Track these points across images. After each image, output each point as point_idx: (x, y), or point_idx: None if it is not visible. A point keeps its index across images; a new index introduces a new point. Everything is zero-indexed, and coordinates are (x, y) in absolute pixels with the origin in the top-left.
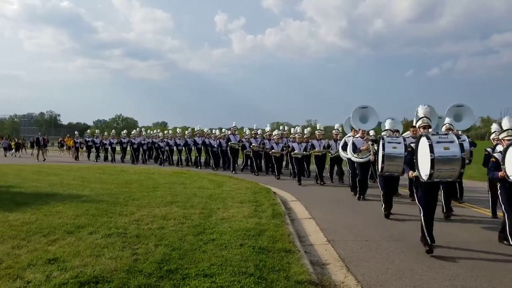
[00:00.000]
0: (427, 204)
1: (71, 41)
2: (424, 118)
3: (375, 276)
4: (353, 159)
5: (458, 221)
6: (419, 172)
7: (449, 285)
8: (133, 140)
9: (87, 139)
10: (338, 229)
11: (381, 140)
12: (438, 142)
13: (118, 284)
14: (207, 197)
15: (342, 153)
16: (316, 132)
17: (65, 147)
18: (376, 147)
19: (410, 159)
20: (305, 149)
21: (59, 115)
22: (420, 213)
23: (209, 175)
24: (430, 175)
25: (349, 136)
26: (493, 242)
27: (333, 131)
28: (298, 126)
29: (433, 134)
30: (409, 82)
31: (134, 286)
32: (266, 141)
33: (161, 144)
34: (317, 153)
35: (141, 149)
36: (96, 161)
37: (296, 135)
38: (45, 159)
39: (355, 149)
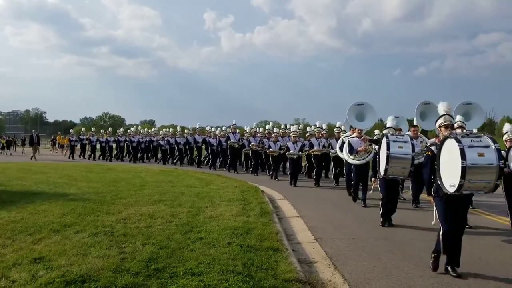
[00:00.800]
0: (450, 220)
1: (58, 37)
2: (446, 116)
3: (362, 274)
4: (350, 161)
5: None
6: (441, 182)
7: (435, 283)
8: (132, 139)
9: (82, 137)
10: (326, 227)
11: (384, 139)
12: (470, 146)
13: (105, 283)
14: (195, 195)
15: (339, 154)
16: (316, 130)
17: (57, 145)
18: (376, 147)
19: (432, 166)
20: (300, 149)
21: (45, 112)
22: (440, 232)
23: (197, 173)
24: (460, 186)
25: (347, 136)
26: (477, 240)
27: (335, 129)
28: (294, 124)
29: (463, 136)
30: (396, 81)
31: (121, 285)
32: (265, 140)
33: (162, 143)
34: (316, 153)
35: (139, 147)
36: (93, 160)
37: (291, 134)
38: (36, 159)
39: (352, 150)
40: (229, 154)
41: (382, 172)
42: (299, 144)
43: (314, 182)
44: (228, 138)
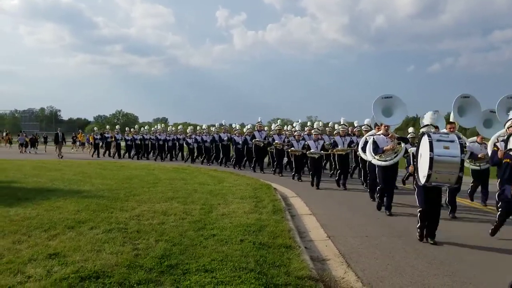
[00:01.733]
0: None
1: (72, 36)
2: None
3: (375, 272)
4: (374, 161)
5: (462, 218)
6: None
7: (449, 281)
8: (158, 136)
9: (107, 135)
10: (338, 225)
11: (425, 138)
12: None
13: (118, 279)
14: (207, 192)
15: (362, 154)
16: (340, 127)
17: (77, 143)
18: (408, 148)
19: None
20: (322, 148)
21: (59, 110)
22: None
23: (210, 171)
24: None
25: (371, 135)
26: (494, 238)
27: (363, 127)
28: (316, 121)
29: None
30: (410, 78)
31: (135, 281)
32: (291, 138)
33: (189, 141)
34: (341, 152)
35: (166, 145)
36: (118, 158)
37: (313, 131)
38: (62, 156)
39: (377, 149)
40: (254, 153)
41: (423, 179)
42: (321, 142)
43: (337, 184)
44: (253, 137)
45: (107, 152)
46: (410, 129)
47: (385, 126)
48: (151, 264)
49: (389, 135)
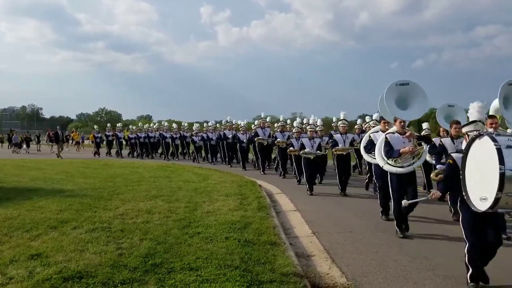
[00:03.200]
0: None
1: (54, 33)
2: None
3: (359, 267)
4: (387, 167)
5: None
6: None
7: (432, 275)
8: (164, 134)
9: (108, 133)
10: (323, 221)
11: (486, 141)
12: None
13: (102, 279)
14: (192, 190)
15: (366, 156)
16: (340, 123)
17: (70, 142)
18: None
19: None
20: (319, 147)
21: (41, 108)
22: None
23: (194, 168)
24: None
25: (376, 131)
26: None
27: (371, 123)
28: (311, 117)
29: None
30: (394, 74)
31: (119, 281)
32: (291, 135)
33: (195, 139)
34: (341, 152)
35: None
36: (120, 157)
37: (308, 127)
38: (61, 157)
39: (391, 151)
40: (258, 152)
41: (482, 204)
42: (317, 141)
43: (340, 189)
44: (256, 134)
45: (109, 151)
46: (425, 125)
47: (400, 122)
48: (135, 263)
49: (407, 134)
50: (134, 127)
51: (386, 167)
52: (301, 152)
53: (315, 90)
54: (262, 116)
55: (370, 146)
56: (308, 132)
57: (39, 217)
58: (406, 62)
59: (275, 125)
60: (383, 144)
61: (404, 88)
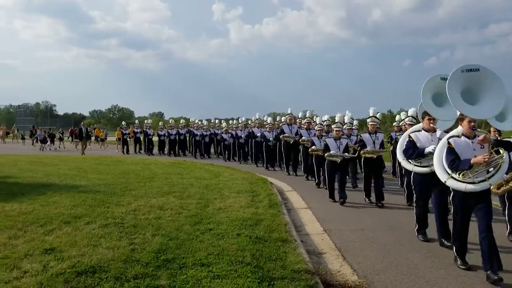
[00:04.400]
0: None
1: (67, 30)
2: None
3: (371, 265)
4: (452, 183)
5: None
6: None
7: (444, 274)
8: (194, 131)
9: (136, 130)
10: (335, 218)
11: None
12: None
13: (115, 274)
14: (204, 187)
15: (405, 164)
16: (368, 120)
17: (93, 139)
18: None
19: None
20: (346, 149)
21: (54, 105)
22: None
23: (206, 165)
24: None
25: (417, 131)
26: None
27: (396, 123)
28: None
29: None
30: (406, 72)
31: (131, 276)
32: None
33: (225, 136)
34: (371, 155)
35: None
36: (150, 154)
37: (333, 126)
38: (85, 154)
39: (458, 162)
40: (284, 151)
41: None
42: (344, 142)
43: (365, 195)
44: (282, 131)
45: (138, 148)
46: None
47: (470, 122)
48: (147, 258)
49: (480, 138)
50: (161, 123)
51: (451, 183)
52: (326, 155)
53: (327, 87)
54: (289, 112)
55: (412, 150)
56: (334, 131)
57: (53, 212)
58: (419, 60)
59: (282, 119)
60: (446, 152)
61: (474, 75)
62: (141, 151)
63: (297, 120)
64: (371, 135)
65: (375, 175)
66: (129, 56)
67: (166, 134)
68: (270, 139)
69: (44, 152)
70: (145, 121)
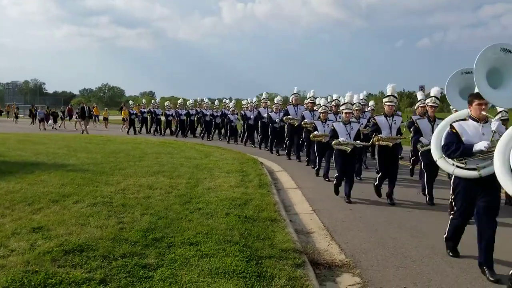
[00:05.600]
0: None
1: (57, 8)
2: None
3: (358, 244)
4: None
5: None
6: None
7: (430, 253)
8: (204, 112)
9: (143, 110)
10: (324, 199)
11: None
12: None
13: (103, 252)
14: (194, 167)
15: (443, 164)
16: (385, 100)
17: (99, 119)
18: None
19: None
20: (357, 136)
21: (44, 83)
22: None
23: (197, 145)
24: None
25: (462, 119)
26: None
27: (419, 104)
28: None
29: None
30: (399, 53)
31: (119, 254)
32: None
33: (232, 117)
34: (386, 143)
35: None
36: (160, 135)
37: (342, 107)
38: (83, 132)
39: None
40: (289, 135)
41: None
42: (356, 126)
43: (376, 192)
44: (286, 113)
45: (145, 128)
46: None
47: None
48: (135, 237)
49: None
50: (167, 103)
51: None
52: (333, 143)
53: (321, 68)
54: (295, 91)
55: (456, 146)
56: (344, 114)
57: (41, 191)
58: (412, 40)
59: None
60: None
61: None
62: (150, 132)
63: (306, 101)
64: (388, 118)
65: (390, 168)
66: (120, 34)
67: (175, 114)
68: (276, 120)
69: (46, 132)
70: (152, 101)
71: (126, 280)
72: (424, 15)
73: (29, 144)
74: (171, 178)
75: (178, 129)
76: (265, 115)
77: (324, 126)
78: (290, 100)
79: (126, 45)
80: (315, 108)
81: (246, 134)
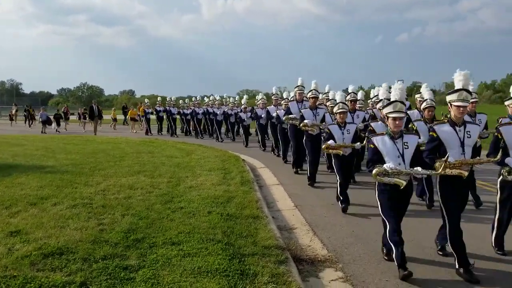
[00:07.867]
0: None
1: (33, 6)
2: None
3: (340, 239)
4: None
5: None
6: None
7: (413, 246)
8: (215, 110)
9: (158, 108)
10: (306, 194)
11: None
12: None
13: (83, 255)
14: (175, 165)
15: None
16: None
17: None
18: None
19: None
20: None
21: (20, 83)
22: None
23: (178, 143)
24: None
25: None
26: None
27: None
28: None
29: None
30: (378, 48)
31: (100, 256)
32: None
33: (242, 116)
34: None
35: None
36: (174, 135)
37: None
38: (95, 133)
39: None
40: (291, 136)
41: None
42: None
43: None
44: (288, 111)
45: (160, 128)
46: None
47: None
48: (116, 238)
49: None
50: (181, 101)
51: None
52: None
53: (301, 64)
54: (299, 84)
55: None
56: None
57: (19, 193)
58: (391, 36)
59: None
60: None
61: None
62: (167, 132)
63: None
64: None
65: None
66: (99, 32)
67: (194, 114)
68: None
69: (27, 133)
70: (167, 99)
71: (107, 282)
72: (402, 10)
73: (6, 146)
74: (152, 177)
75: (195, 128)
76: (274, 114)
77: (343, 133)
78: (293, 95)
79: (105, 43)
80: (304, 98)
81: (260, 137)
